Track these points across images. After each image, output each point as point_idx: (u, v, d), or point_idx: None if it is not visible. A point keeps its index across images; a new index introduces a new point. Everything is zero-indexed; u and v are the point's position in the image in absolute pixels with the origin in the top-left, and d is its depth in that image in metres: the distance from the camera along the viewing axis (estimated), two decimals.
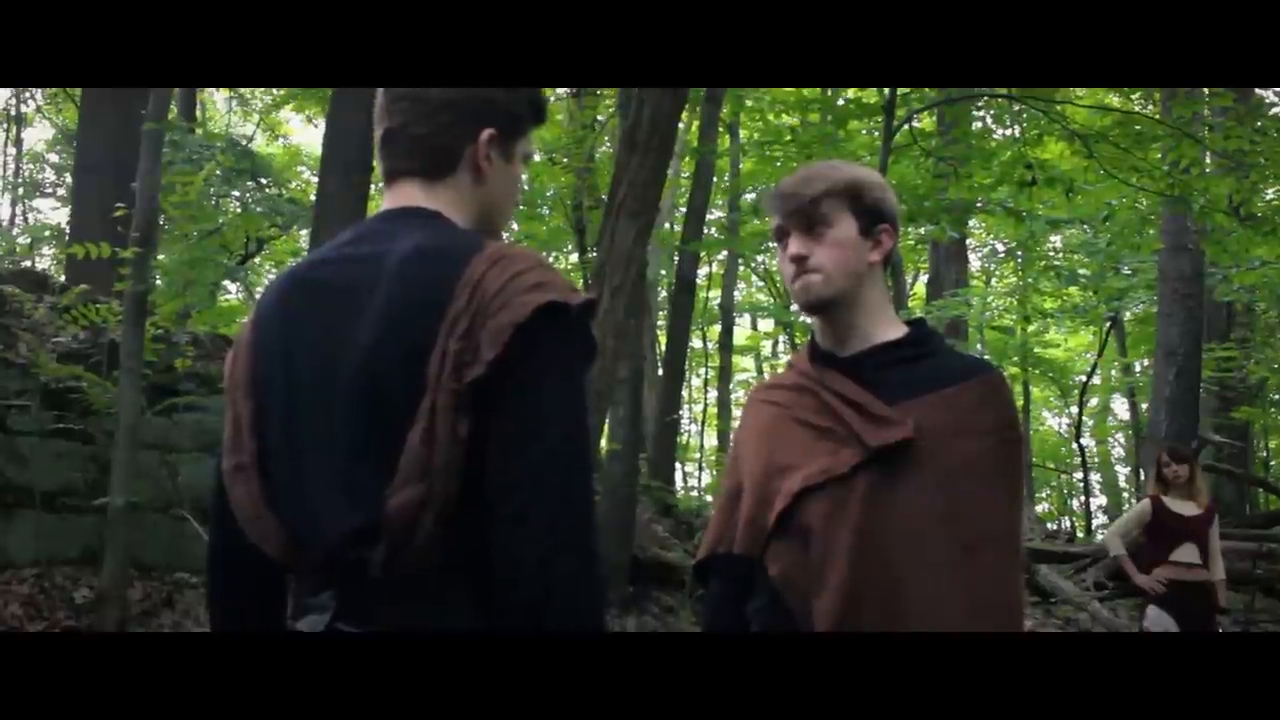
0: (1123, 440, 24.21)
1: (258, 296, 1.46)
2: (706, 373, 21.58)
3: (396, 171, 1.43)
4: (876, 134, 10.02)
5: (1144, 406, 16.23)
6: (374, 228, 1.39)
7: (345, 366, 1.27)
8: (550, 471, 1.20)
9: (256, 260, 13.77)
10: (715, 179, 12.45)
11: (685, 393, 17.87)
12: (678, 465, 16.39)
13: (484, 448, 1.21)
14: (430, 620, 1.23)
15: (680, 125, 7.26)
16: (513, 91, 1.46)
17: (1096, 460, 23.57)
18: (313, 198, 9.90)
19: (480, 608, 1.22)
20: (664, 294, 15.10)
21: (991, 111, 13.19)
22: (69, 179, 13.47)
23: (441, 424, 1.20)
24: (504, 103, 1.44)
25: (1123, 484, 24.59)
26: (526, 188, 13.08)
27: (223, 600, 1.48)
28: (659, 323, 15.13)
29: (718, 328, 17.39)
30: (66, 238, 10.11)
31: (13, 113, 17.66)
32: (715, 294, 17.83)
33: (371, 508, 1.22)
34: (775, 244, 1.79)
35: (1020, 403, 17.30)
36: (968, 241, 16.25)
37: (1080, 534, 16.38)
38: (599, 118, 12.08)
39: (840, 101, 10.85)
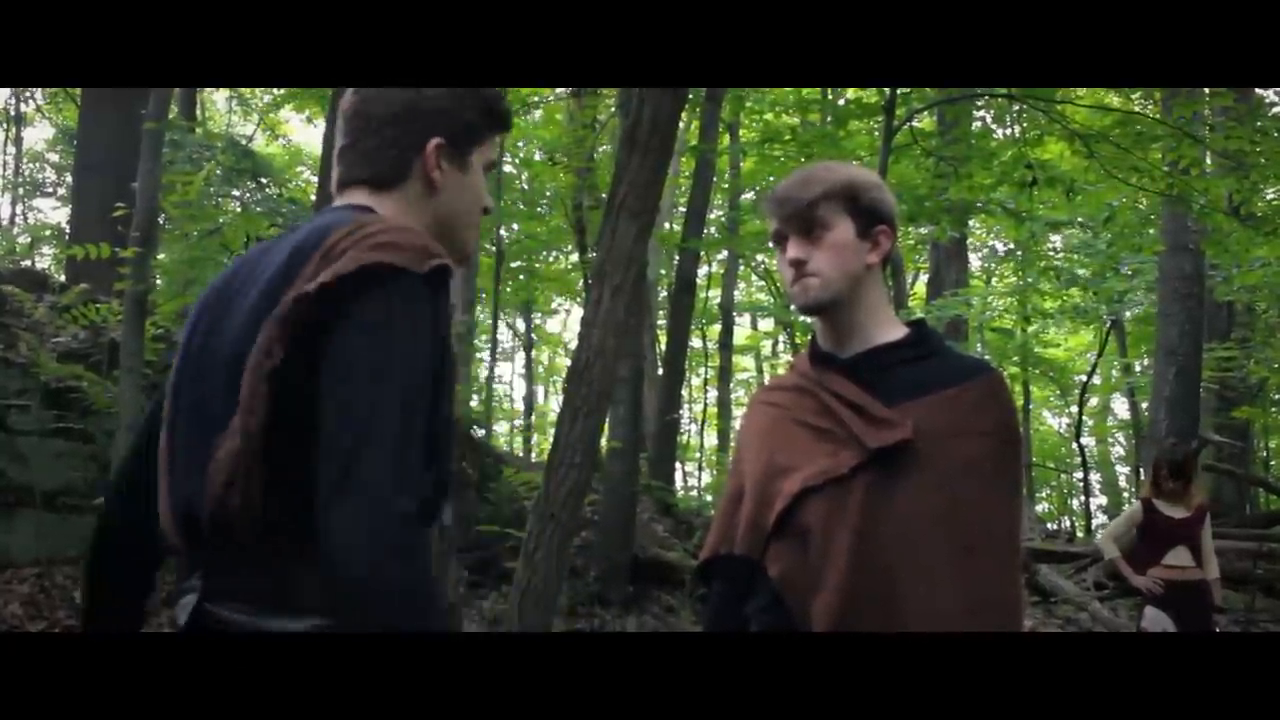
0: (1123, 440, 24.21)
1: None
2: (706, 372, 21.58)
3: (347, 180, 1.44)
4: (877, 134, 10.02)
5: (1144, 406, 16.22)
6: (309, 221, 1.42)
7: (221, 341, 1.31)
8: (344, 423, 1.17)
9: None
10: (715, 178, 12.45)
11: (685, 392, 17.88)
12: (678, 465, 16.40)
13: (300, 395, 1.20)
14: (291, 592, 1.22)
15: (680, 124, 7.26)
16: (463, 99, 1.44)
17: (1096, 460, 23.58)
18: (313, 198, 9.90)
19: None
20: (664, 293, 15.10)
21: (991, 111, 13.19)
22: (69, 178, 13.47)
23: (255, 358, 1.21)
24: (453, 111, 1.43)
25: (1123, 484, 24.59)
26: (525, 187, 13.08)
27: (96, 574, 1.51)
28: (659, 322, 15.13)
29: (718, 327, 17.39)
30: (66, 237, 10.12)
31: (13, 112, 17.65)
32: (715, 293, 17.82)
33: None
34: (774, 246, 1.80)
35: (1020, 403, 17.29)
36: (968, 241, 16.25)
37: (1080, 534, 16.37)
38: (599, 118, 12.07)
39: (840, 102, 10.86)
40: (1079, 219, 12.88)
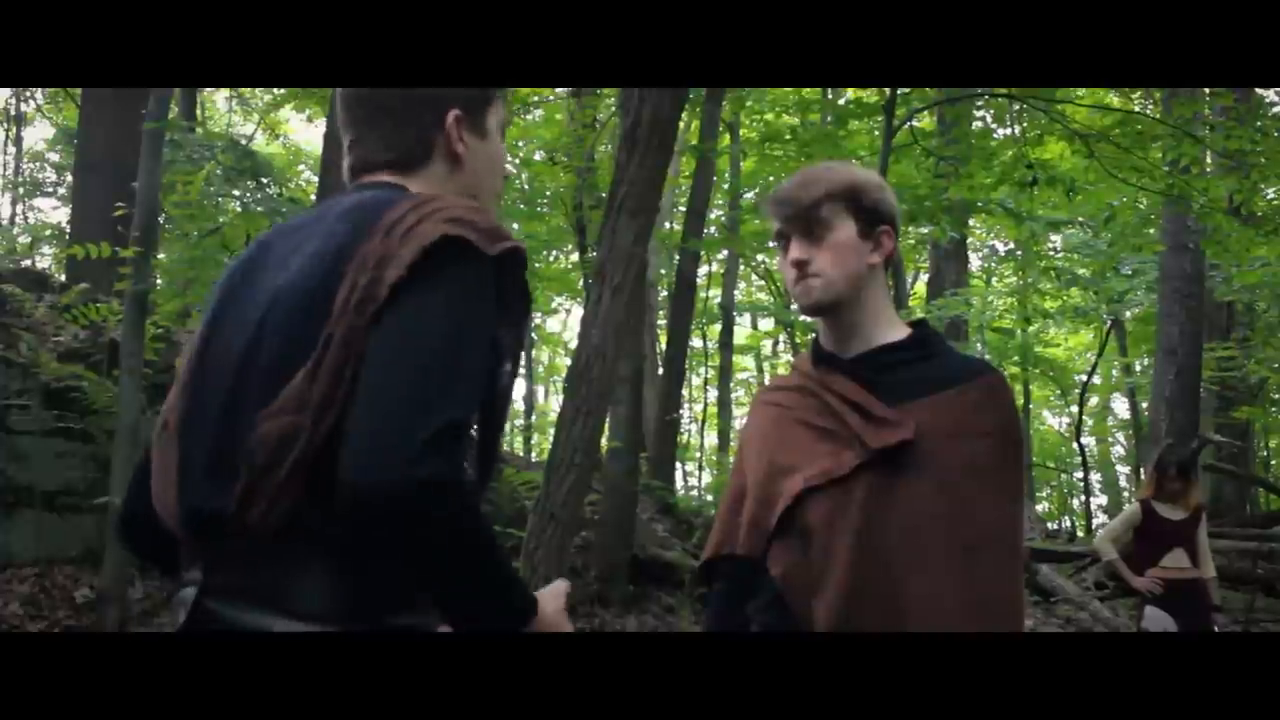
0: (1123, 439, 24.23)
1: None
2: (707, 372, 21.59)
3: (367, 163, 1.40)
4: (877, 134, 10.02)
5: (1144, 406, 16.23)
6: (334, 198, 1.38)
7: (256, 319, 1.26)
8: (392, 380, 1.12)
9: None
10: (715, 178, 12.44)
11: (685, 392, 17.88)
12: (678, 464, 16.40)
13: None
14: (292, 595, 1.18)
15: (680, 124, 7.26)
16: None
17: (1096, 459, 23.59)
18: (313, 198, 9.90)
19: (350, 582, 1.17)
20: (664, 293, 15.10)
21: (991, 111, 13.19)
22: (69, 178, 13.47)
23: (332, 358, 1.16)
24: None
25: (1123, 483, 24.61)
26: (525, 187, 13.08)
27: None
28: (659, 322, 15.13)
29: (718, 327, 17.38)
30: (67, 237, 10.11)
31: (13, 112, 17.66)
32: (715, 293, 17.83)
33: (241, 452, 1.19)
34: (776, 246, 1.80)
35: (1020, 402, 17.31)
36: (968, 241, 16.25)
37: (1080, 533, 16.39)
38: (599, 118, 12.07)
39: (840, 101, 10.86)
40: (1079, 219, 12.89)
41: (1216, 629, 5.40)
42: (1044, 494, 25.48)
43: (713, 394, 20.86)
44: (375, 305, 1.16)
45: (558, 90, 12.34)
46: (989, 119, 13.54)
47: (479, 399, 1.19)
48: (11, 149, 18.54)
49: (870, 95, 9.89)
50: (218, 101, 19.16)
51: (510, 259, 1.22)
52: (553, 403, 23.18)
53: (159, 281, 7.05)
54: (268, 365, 1.22)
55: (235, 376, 1.25)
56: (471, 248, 1.19)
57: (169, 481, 1.29)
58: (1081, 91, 9.47)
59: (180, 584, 1.30)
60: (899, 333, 1.75)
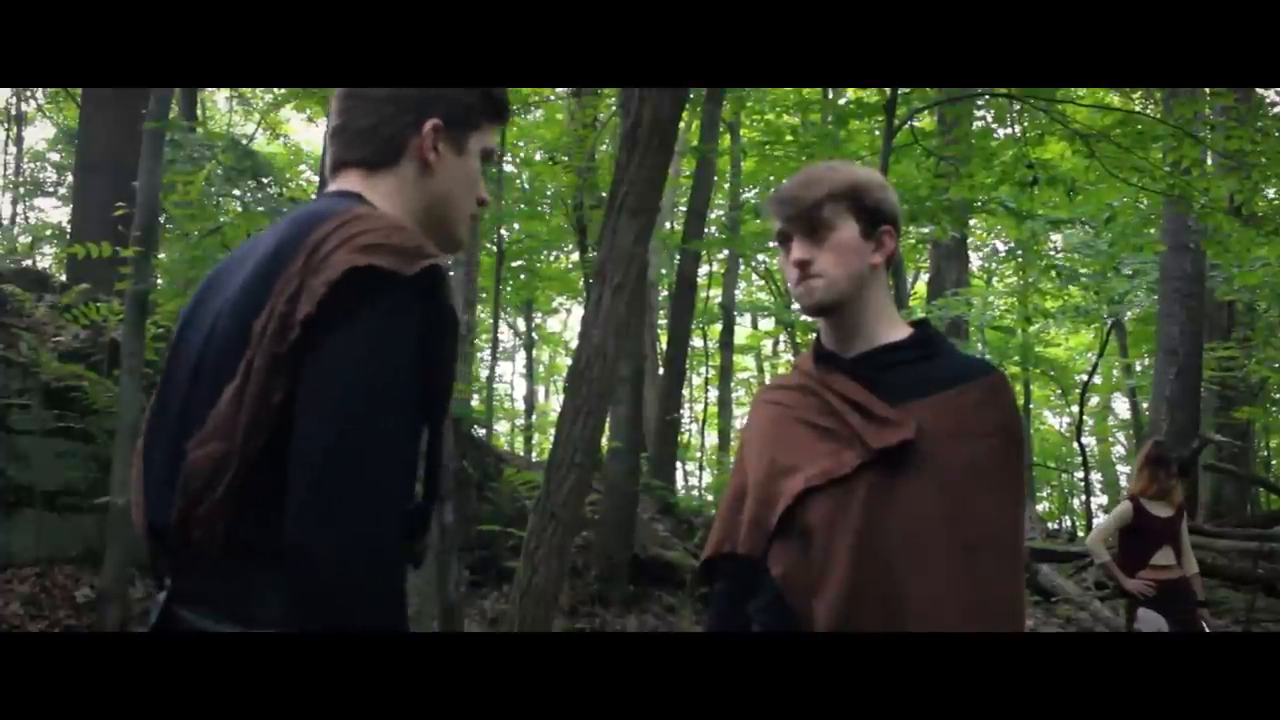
0: (1123, 439, 24.22)
1: None
2: (707, 372, 21.59)
3: (339, 162, 1.42)
4: (877, 134, 10.01)
5: (1145, 406, 16.23)
6: (294, 211, 1.40)
7: (204, 335, 1.29)
8: (325, 434, 1.14)
9: None
10: (716, 178, 12.44)
11: (686, 392, 17.88)
12: (678, 464, 16.40)
13: (286, 405, 1.18)
14: (251, 601, 1.20)
15: (680, 124, 7.26)
16: None
17: (1097, 459, 23.58)
18: (313, 197, 9.86)
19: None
20: (665, 293, 15.10)
21: (992, 111, 13.19)
22: (70, 178, 13.46)
23: (254, 384, 1.18)
24: (451, 93, 1.41)
25: (1123, 483, 24.57)
26: (525, 187, 13.08)
27: None
28: (660, 322, 15.13)
29: (718, 326, 17.38)
30: (67, 237, 10.11)
31: (13, 112, 17.65)
32: (716, 293, 17.82)
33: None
34: (776, 245, 1.80)
35: (1021, 402, 17.29)
36: (968, 241, 16.24)
37: (1081, 533, 16.40)
38: (599, 117, 12.07)
39: (841, 101, 10.86)
40: (1080, 218, 12.88)
41: (1205, 625, 5.41)
42: (1044, 494, 25.48)
43: (713, 394, 20.86)
44: (291, 337, 1.18)
45: (558, 90, 12.34)
46: (989, 119, 13.54)
47: (412, 445, 1.21)
48: (12, 149, 18.54)
49: (870, 95, 9.88)
50: (218, 101, 19.15)
51: (429, 276, 1.22)
52: (553, 403, 23.18)
53: (159, 281, 7.05)
54: (208, 384, 1.24)
55: (186, 392, 1.28)
56: (384, 274, 1.19)
57: (138, 490, 1.34)
58: (1082, 91, 9.47)
59: (157, 589, 1.33)
60: (900, 332, 1.75)
